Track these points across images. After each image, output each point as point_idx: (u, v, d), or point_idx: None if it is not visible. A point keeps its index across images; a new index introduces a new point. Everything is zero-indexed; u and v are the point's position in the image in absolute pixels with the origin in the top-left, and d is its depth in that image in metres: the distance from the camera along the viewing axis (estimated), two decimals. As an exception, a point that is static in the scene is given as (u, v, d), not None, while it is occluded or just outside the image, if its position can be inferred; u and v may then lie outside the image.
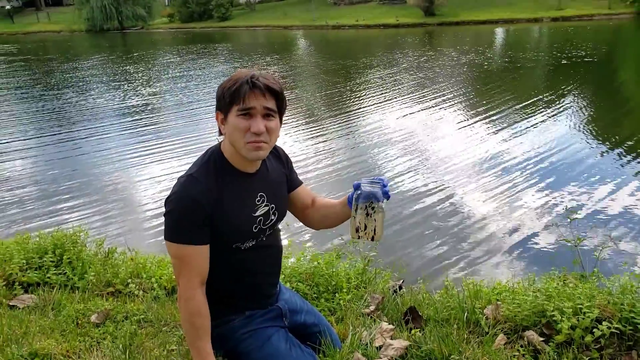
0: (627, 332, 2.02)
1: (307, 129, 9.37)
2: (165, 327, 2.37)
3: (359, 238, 1.60)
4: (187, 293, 1.56)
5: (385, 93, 12.23)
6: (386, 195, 1.59)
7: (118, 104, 12.59)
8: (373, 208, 1.57)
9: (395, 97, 11.63)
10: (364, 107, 10.92)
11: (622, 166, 6.43)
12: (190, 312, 1.57)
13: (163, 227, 1.56)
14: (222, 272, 1.65)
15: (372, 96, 11.99)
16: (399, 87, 12.90)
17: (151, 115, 11.17)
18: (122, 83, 15.98)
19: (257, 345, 1.70)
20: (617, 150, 7.11)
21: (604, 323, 2.00)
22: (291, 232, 4.59)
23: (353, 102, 11.68)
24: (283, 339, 1.74)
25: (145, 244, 4.45)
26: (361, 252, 2.93)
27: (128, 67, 20.21)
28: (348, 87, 13.62)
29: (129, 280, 2.83)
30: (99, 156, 8.14)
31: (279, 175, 1.76)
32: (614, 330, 1.99)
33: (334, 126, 9.48)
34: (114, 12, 48.34)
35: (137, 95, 13.60)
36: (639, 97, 11.45)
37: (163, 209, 1.55)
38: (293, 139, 8.53)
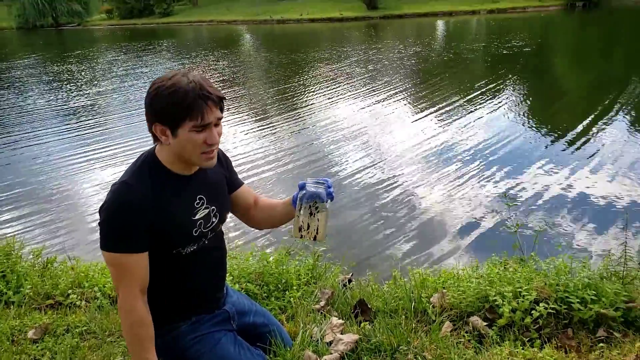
0: (562, 311, 2.12)
1: (259, 126, 9.26)
2: (110, 337, 2.29)
3: (301, 237, 1.61)
4: (128, 303, 1.51)
5: (335, 87, 12.28)
6: (330, 196, 1.60)
7: (61, 105, 11.98)
8: (317, 208, 1.58)
9: (346, 91, 11.69)
10: (314, 102, 10.92)
11: (558, 153, 6.73)
12: (132, 322, 1.52)
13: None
14: (165, 278, 1.60)
15: (323, 90, 12.02)
16: (349, 80, 12.97)
17: (97, 117, 10.69)
18: (64, 83, 15.22)
19: (205, 350, 1.67)
20: (553, 139, 7.45)
21: (541, 304, 2.10)
22: (239, 232, 4.54)
23: (304, 96, 11.66)
24: (231, 343, 1.72)
25: (88, 252, 4.26)
26: (311, 248, 2.93)
27: (68, 65, 19.27)
28: (298, 82, 13.58)
29: (70, 291, 2.71)
30: (40, 161, 7.72)
31: (218, 176, 1.72)
32: (550, 311, 2.09)
33: (286, 122, 9.42)
34: (48, 7, 45.77)
35: (81, 96, 12.98)
36: (572, 85, 12.06)
37: None
38: (245, 137, 8.43)
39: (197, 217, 1.60)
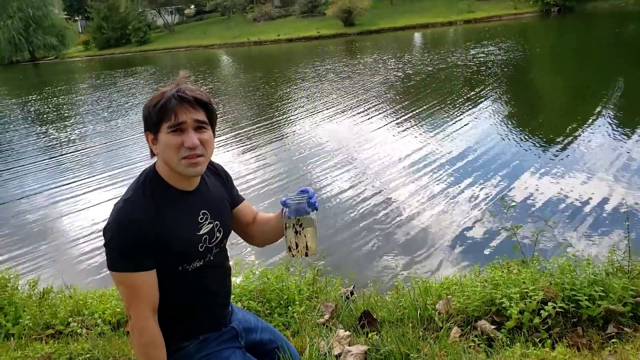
0: (570, 310, 2.11)
1: (239, 143, 9.27)
2: (114, 364, 2.23)
3: (293, 257, 1.60)
4: (140, 323, 1.47)
5: (314, 103, 12.36)
6: (313, 206, 1.57)
7: (36, 139, 11.86)
8: (301, 225, 1.57)
9: (327, 107, 11.74)
10: (294, 119, 10.96)
11: (547, 157, 6.76)
12: (144, 343, 1.48)
13: (103, 259, 1.48)
14: (171, 296, 1.56)
15: (304, 107, 12.07)
16: (330, 96, 13.06)
17: (76, 144, 10.67)
18: (46, 118, 15.03)
19: (214, 369, 1.61)
20: (539, 142, 7.53)
21: (549, 304, 2.09)
22: (237, 250, 4.47)
23: (283, 113, 11.70)
24: (240, 360, 1.66)
25: (84, 280, 4.19)
26: (310, 262, 2.89)
27: (45, 99, 19.07)
28: (277, 99, 13.66)
29: (70, 319, 2.69)
30: (21, 197, 7.54)
31: (220, 191, 1.70)
32: (558, 310, 2.08)
33: (266, 139, 9.43)
34: (24, 42, 45.82)
35: (59, 128, 12.86)
36: (557, 89, 12.25)
37: (99, 240, 1.46)
38: (227, 155, 8.42)
39: (201, 232, 1.57)
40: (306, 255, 1.58)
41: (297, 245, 1.57)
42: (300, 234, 1.56)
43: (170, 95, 1.44)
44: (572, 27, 24.52)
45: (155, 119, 1.45)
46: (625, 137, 7.31)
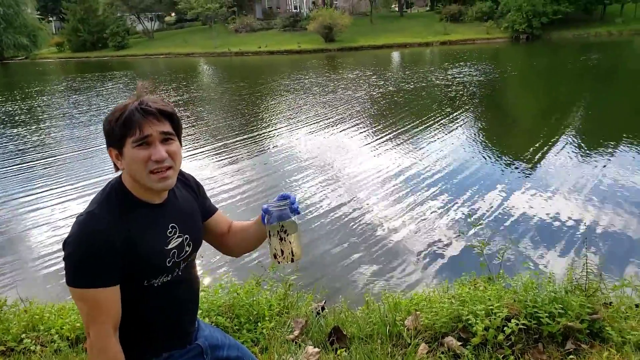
0: (532, 327, 2.17)
1: (217, 154, 9.22)
2: (72, 381, 2.16)
3: (279, 263, 1.59)
4: (100, 342, 1.41)
5: (294, 116, 12.41)
6: (295, 212, 1.57)
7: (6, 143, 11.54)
8: (285, 231, 1.56)
9: (310, 120, 11.82)
10: (274, 131, 10.99)
11: (513, 174, 7.01)
12: None
13: (63, 273, 1.40)
14: (135, 312, 1.50)
15: (284, 120, 12.11)
16: (312, 109, 13.15)
17: (40, 152, 10.37)
18: (11, 120, 14.66)
19: (178, 387, 1.59)
20: (507, 161, 7.78)
21: (512, 321, 2.14)
22: (206, 262, 4.43)
23: (263, 125, 11.72)
24: (205, 378, 1.64)
25: (42, 293, 4.03)
26: (281, 276, 2.89)
27: (9, 103, 18.61)
28: (262, 110, 13.67)
29: (24, 335, 2.55)
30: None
31: (190, 203, 1.66)
32: (521, 326, 2.14)
33: (245, 150, 9.42)
34: (-8, 41, 44.60)
35: (29, 134, 12.51)
36: (525, 111, 12.68)
37: (60, 251, 1.40)
38: (202, 165, 8.36)
39: (170, 246, 1.52)
40: (292, 261, 1.57)
41: (282, 252, 1.55)
42: (285, 241, 1.55)
43: (133, 109, 1.39)
44: (540, 54, 25.54)
45: (119, 134, 1.39)
46: (588, 157, 7.63)
